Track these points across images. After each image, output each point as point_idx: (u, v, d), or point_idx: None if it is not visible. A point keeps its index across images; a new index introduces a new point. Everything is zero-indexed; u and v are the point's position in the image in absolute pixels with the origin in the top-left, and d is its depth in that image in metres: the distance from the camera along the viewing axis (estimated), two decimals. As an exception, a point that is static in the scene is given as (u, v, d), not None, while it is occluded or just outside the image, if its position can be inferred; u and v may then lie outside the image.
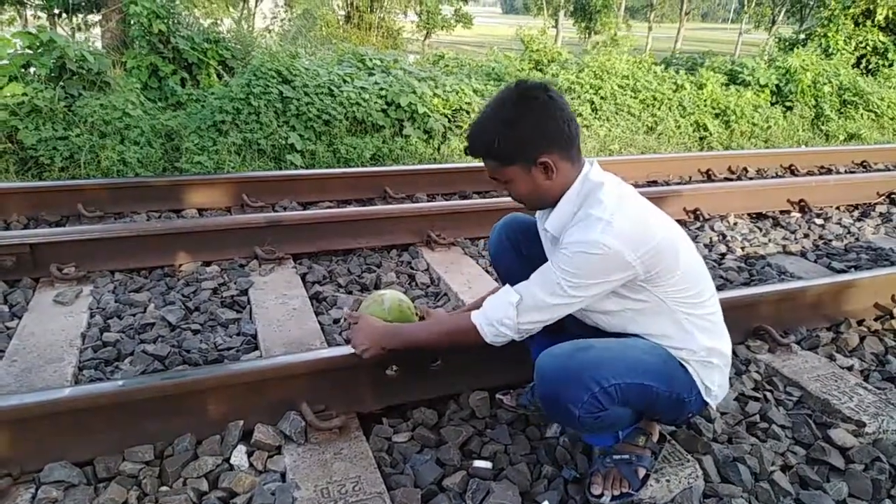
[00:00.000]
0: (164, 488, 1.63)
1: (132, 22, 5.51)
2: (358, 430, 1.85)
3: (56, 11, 9.03)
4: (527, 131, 1.47)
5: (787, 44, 11.72)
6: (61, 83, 4.85)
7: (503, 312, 1.54)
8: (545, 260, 1.76)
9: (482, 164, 1.59)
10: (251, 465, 1.71)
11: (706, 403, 1.62)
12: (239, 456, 1.72)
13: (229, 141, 4.89)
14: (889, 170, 5.97)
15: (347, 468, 1.69)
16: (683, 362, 1.56)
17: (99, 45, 7.14)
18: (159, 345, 2.31)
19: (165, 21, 5.50)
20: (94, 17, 8.59)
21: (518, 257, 1.86)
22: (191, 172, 4.60)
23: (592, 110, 6.76)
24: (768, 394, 2.15)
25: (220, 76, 5.89)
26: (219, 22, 7.61)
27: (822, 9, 11.30)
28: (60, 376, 2.11)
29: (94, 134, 4.65)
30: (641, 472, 1.63)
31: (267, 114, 5.09)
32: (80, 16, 8.83)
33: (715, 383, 1.60)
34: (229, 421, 1.79)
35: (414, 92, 5.78)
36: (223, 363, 2.19)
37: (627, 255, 1.42)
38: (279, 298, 2.72)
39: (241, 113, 5.04)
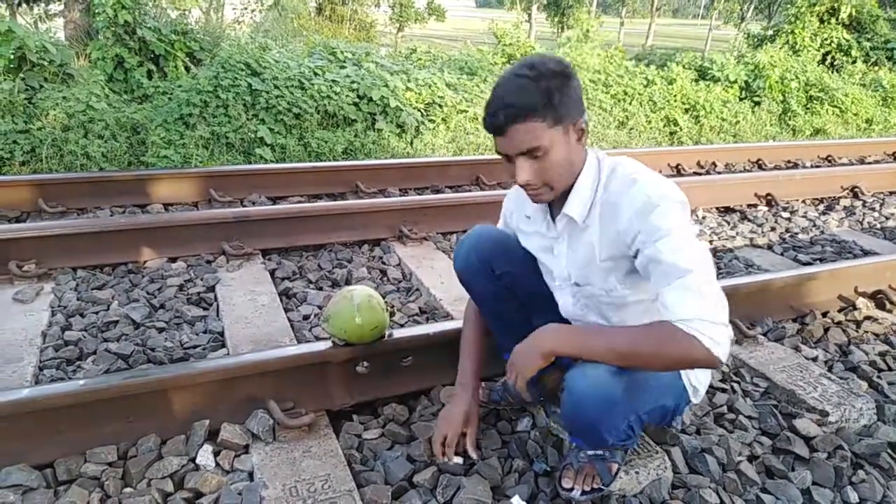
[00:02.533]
0: (127, 490, 1.59)
1: (96, 12, 5.37)
2: (327, 427, 1.83)
3: (16, 1, 8.76)
4: (569, 89, 1.38)
5: (755, 40, 11.94)
6: (21, 75, 4.71)
7: (705, 297, 1.27)
8: (522, 275, 1.72)
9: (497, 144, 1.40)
10: (218, 464, 1.68)
11: (690, 402, 1.63)
12: (205, 456, 1.69)
13: (197, 134, 4.79)
14: (853, 164, 6.11)
15: (316, 466, 1.67)
16: None
17: (62, 35, 6.96)
18: (123, 343, 2.25)
19: (131, 11, 5.36)
20: (57, 7, 8.35)
21: (491, 278, 1.73)
22: (157, 166, 4.51)
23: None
24: (735, 385, 2.18)
25: (187, 68, 5.78)
26: (187, 13, 7.45)
27: (789, 6, 11.51)
28: (20, 377, 2.04)
29: (57, 127, 4.52)
30: (614, 468, 1.63)
31: (235, 107, 5.01)
32: (42, 5, 8.58)
33: (702, 382, 1.62)
34: (195, 420, 1.75)
35: (386, 85, 5.73)
36: (188, 361, 2.14)
37: (684, 199, 1.39)
38: (247, 295, 2.67)
39: (208, 106, 4.95)
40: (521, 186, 1.43)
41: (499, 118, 1.36)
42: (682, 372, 1.55)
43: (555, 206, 1.55)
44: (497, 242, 1.75)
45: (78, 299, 2.60)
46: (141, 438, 1.71)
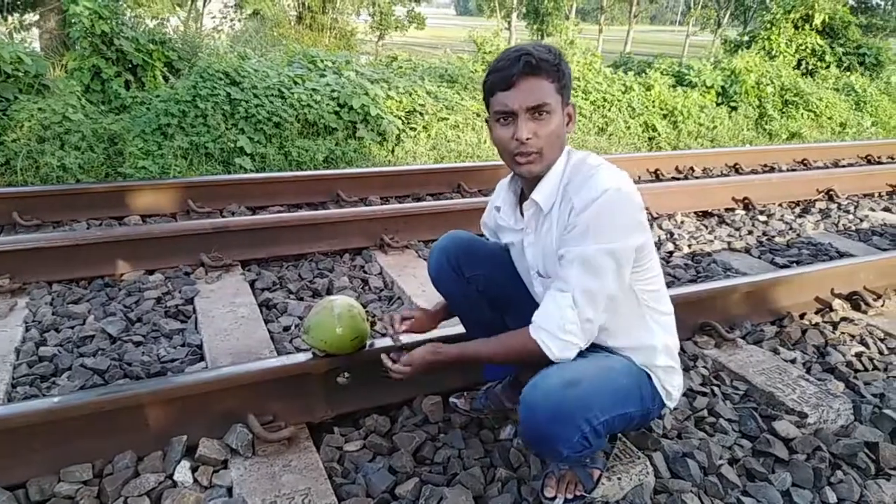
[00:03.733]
0: (103, 509, 1.56)
1: (73, 22, 5.31)
2: (308, 440, 1.81)
3: (-11, 11, 8.63)
4: (570, 72, 1.47)
5: (732, 46, 12.11)
6: (-6, 86, 4.64)
7: (562, 318, 1.40)
8: (493, 276, 1.75)
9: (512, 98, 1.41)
10: (196, 480, 1.65)
11: (665, 405, 1.64)
12: (183, 472, 1.66)
13: (175, 144, 4.75)
14: (827, 167, 6.22)
15: (297, 480, 1.65)
16: (650, 372, 1.56)
17: (37, 46, 6.87)
18: (99, 358, 2.22)
19: (109, 21, 5.31)
20: (32, 18, 8.24)
21: (460, 280, 1.77)
22: (135, 178, 4.46)
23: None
24: (716, 388, 2.19)
25: (166, 78, 5.73)
26: (165, 22, 7.39)
27: (764, 13, 11.71)
28: (-8, 395, 2.00)
29: (32, 139, 4.46)
30: (595, 474, 1.64)
31: (214, 116, 4.97)
32: (17, 16, 8.47)
33: (675, 386, 1.62)
34: (172, 436, 1.73)
35: (367, 94, 5.73)
36: (166, 376, 2.12)
37: (638, 201, 1.42)
38: (226, 307, 2.64)
39: (187, 116, 4.90)
40: (521, 145, 1.43)
41: (516, 67, 1.39)
42: (654, 378, 1.56)
43: (523, 197, 1.59)
44: (466, 245, 1.79)
45: (53, 314, 2.56)
46: (117, 455, 1.68)
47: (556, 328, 1.40)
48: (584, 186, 1.41)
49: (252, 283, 2.92)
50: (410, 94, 6.12)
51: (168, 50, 5.84)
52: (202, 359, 2.27)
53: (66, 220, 3.62)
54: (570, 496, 1.60)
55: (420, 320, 1.87)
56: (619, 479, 1.68)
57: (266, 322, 2.56)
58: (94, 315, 2.56)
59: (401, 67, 7.42)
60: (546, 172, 1.49)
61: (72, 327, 2.47)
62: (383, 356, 1.67)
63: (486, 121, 1.53)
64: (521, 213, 1.61)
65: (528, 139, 1.42)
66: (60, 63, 5.58)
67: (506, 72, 1.40)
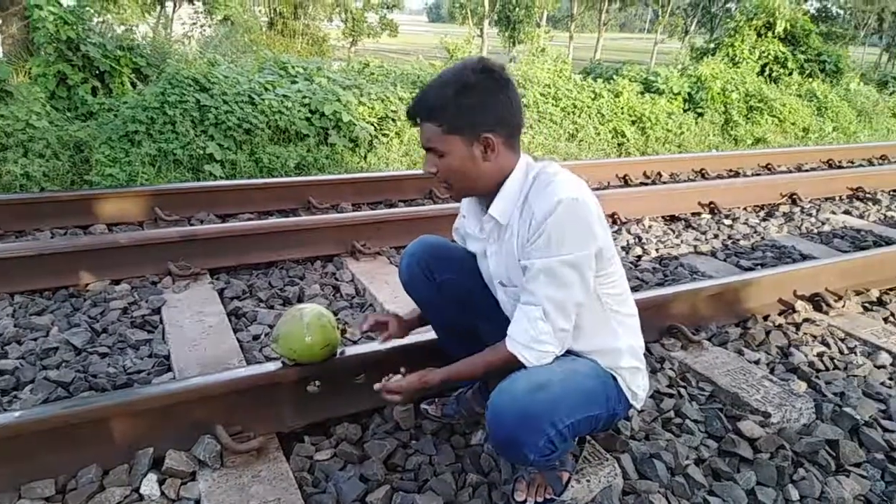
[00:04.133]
0: (66, 524, 1.53)
1: (36, 27, 5.20)
2: (278, 450, 1.80)
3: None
4: (481, 102, 1.44)
5: (698, 53, 12.37)
6: (-47, 92, 4.53)
7: (535, 330, 1.44)
8: (458, 283, 1.76)
9: (420, 134, 1.51)
10: (163, 493, 1.63)
11: (631, 406, 1.66)
12: (149, 485, 1.64)
13: (143, 151, 4.68)
14: (791, 171, 6.37)
15: (266, 491, 1.64)
16: (615, 374, 1.58)
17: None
18: (63, 370, 2.17)
19: (74, 27, 5.22)
20: (-7, 22, 8.05)
21: (430, 284, 1.79)
22: (101, 185, 4.38)
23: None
24: (682, 390, 2.23)
25: (133, 84, 5.65)
26: (133, 28, 7.28)
27: (729, 20, 11.99)
28: (-50, 410, 1.95)
29: (-7, 146, 4.35)
30: (565, 477, 1.66)
31: (183, 123, 4.91)
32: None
33: (640, 387, 1.64)
34: (138, 449, 1.70)
35: (338, 100, 5.72)
36: (132, 388, 2.08)
37: (594, 208, 1.45)
38: (194, 316, 2.61)
39: (155, 122, 4.84)
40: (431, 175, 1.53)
41: (410, 111, 1.51)
42: (620, 379, 1.58)
43: (487, 208, 1.60)
44: (436, 250, 1.81)
45: (15, 326, 2.50)
46: (81, 470, 1.65)
47: (531, 340, 1.45)
48: (540, 196, 1.43)
49: (221, 292, 2.89)
50: (383, 101, 6.12)
51: (136, 56, 5.76)
52: (170, 369, 2.24)
53: (28, 229, 3.54)
54: (540, 499, 1.61)
55: (392, 325, 1.89)
56: (588, 481, 1.70)
57: (235, 331, 2.53)
58: (58, 326, 2.51)
59: (373, 74, 7.43)
60: (497, 186, 1.52)
61: (35, 339, 2.41)
62: (376, 386, 1.69)
63: None
64: (483, 223, 1.62)
65: (431, 172, 1.52)
66: (24, 69, 5.47)
67: (408, 110, 1.52)
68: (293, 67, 6.42)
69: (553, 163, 1.54)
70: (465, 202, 1.72)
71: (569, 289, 1.42)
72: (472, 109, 1.43)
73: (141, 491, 1.62)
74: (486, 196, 1.54)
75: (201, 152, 4.89)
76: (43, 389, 2.05)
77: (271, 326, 2.58)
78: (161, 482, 1.65)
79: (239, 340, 2.45)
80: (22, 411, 1.66)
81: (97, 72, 5.48)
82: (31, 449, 1.61)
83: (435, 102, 1.44)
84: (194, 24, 16.22)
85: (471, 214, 1.69)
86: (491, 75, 1.45)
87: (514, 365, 1.48)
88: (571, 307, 1.44)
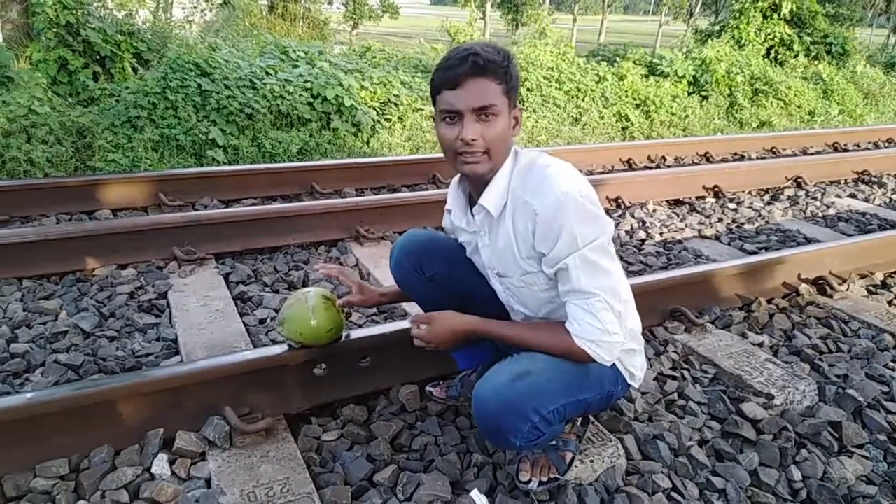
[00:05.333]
0: (81, 502, 1.56)
1: (35, 12, 5.18)
2: (286, 431, 1.82)
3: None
4: (518, 75, 1.45)
5: (703, 35, 12.25)
6: (-44, 79, 4.52)
7: (601, 322, 1.41)
8: (449, 275, 1.76)
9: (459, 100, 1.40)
10: (174, 473, 1.66)
11: (630, 386, 1.67)
12: (160, 465, 1.66)
13: (145, 137, 4.68)
14: (796, 155, 6.35)
15: (275, 470, 1.66)
16: None
17: (-1, 37, 6.69)
18: (72, 354, 2.19)
19: (74, 12, 5.19)
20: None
21: (421, 278, 1.78)
22: (104, 171, 4.38)
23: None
24: (685, 372, 2.25)
25: (135, 70, 5.63)
26: (134, 13, 7.24)
27: (734, 2, 11.86)
28: (-38, 393, 1.97)
29: (-3, 132, 4.35)
30: (568, 457, 1.68)
31: (185, 108, 4.90)
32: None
33: (637, 367, 1.65)
34: (149, 429, 1.72)
35: (340, 84, 5.70)
36: (141, 370, 2.10)
37: (594, 195, 1.45)
38: (201, 300, 2.63)
39: (157, 108, 4.83)
40: (465, 145, 1.42)
41: (463, 66, 1.38)
42: (617, 361, 1.57)
43: (473, 199, 1.59)
44: (426, 243, 1.80)
45: (24, 310, 2.52)
46: (93, 450, 1.67)
47: (601, 334, 1.43)
48: (542, 190, 1.42)
49: (226, 277, 2.90)
50: (385, 85, 6.10)
51: (137, 41, 5.73)
52: (177, 353, 2.26)
53: (34, 214, 3.55)
54: (544, 479, 1.63)
55: (364, 291, 1.89)
56: (591, 461, 1.72)
57: (241, 315, 2.55)
58: (67, 311, 2.53)
59: (375, 58, 7.39)
60: (491, 175, 1.49)
61: (44, 323, 2.43)
62: (411, 322, 1.65)
63: (433, 117, 1.53)
64: (473, 215, 1.61)
65: (473, 140, 1.41)
66: (25, 55, 5.45)
67: (453, 71, 1.40)
68: (294, 52, 6.39)
69: (543, 154, 1.53)
70: (451, 196, 1.70)
71: (610, 273, 1.43)
72: (517, 78, 1.44)
73: (152, 470, 1.65)
74: (482, 181, 1.51)
75: (204, 137, 4.89)
76: (53, 372, 2.07)
77: (276, 310, 2.60)
78: (171, 462, 1.68)
79: (245, 324, 2.47)
80: (34, 393, 1.68)
81: (98, 57, 5.46)
82: (45, 430, 1.63)
83: (499, 60, 1.39)
84: (195, 7, 16.10)
85: (457, 207, 1.67)
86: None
87: (578, 357, 1.46)
88: (619, 288, 1.45)
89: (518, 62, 7.10)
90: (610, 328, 1.43)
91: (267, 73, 5.62)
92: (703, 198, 4.61)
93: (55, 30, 5.18)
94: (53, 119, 4.59)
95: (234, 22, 12.40)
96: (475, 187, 1.56)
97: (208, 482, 1.64)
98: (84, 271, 2.88)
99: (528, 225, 1.45)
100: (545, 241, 1.42)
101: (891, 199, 4.88)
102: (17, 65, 5.28)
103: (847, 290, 2.95)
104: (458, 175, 1.61)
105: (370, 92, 5.94)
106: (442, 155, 1.54)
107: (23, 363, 2.15)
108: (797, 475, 1.79)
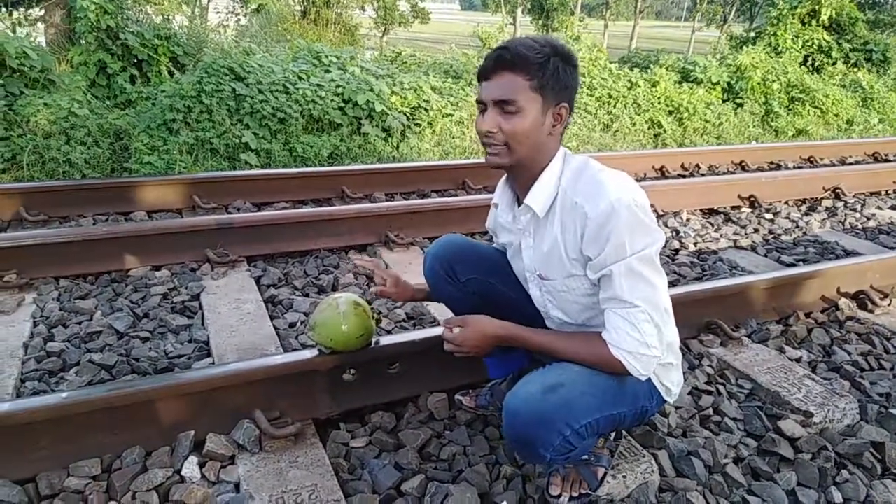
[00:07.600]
0: (112, 503, 1.58)
1: (78, 17, 5.32)
2: (314, 436, 1.82)
3: (-6, 6, 8.64)
4: (572, 73, 1.43)
5: (737, 42, 12.05)
6: (0, 81, 4.65)
7: (641, 334, 1.39)
8: (490, 280, 1.75)
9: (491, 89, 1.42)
10: (203, 476, 1.67)
11: (665, 401, 1.64)
12: (190, 467, 1.67)
13: (181, 140, 4.76)
14: (834, 165, 6.19)
15: (303, 476, 1.66)
16: None
17: (42, 41, 6.87)
18: (106, 354, 2.23)
19: (114, 16, 5.31)
20: (38, 12, 8.24)
21: (455, 285, 1.78)
22: (140, 173, 4.47)
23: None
24: (721, 387, 2.19)
25: (171, 73, 5.74)
26: (171, 18, 7.38)
27: (771, 8, 11.64)
28: (1, 389, 2.01)
29: (38, 134, 4.47)
30: (600, 472, 1.64)
31: (220, 112, 4.98)
32: (21, 10, 8.47)
33: (673, 382, 1.61)
34: (180, 431, 1.74)
35: (371, 90, 5.73)
36: (173, 372, 2.13)
37: (648, 204, 1.42)
38: (232, 303, 2.65)
39: (192, 111, 4.91)
40: (482, 136, 1.45)
41: (490, 60, 1.42)
42: (652, 375, 1.54)
43: (520, 197, 1.57)
44: (460, 249, 1.80)
45: (60, 309, 2.57)
46: (125, 451, 1.69)
47: (639, 345, 1.39)
48: (595, 194, 1.39)
49: (258, 280, 2.93)
50: (415, 90, 6.11)
51: (173, 45, 5.84)
52: (209, 355, 2.28)
53: (72, 215, 3.63)
54: (574, 494, 1.60)
55: (399, 285, 1.89)
56: (624, 477, 1.69)
57: (272, 318, 2.57)
58: (101, 311, 2.57)
59: (405, 63, 7.42)
60: (515, 168, 1.48)
61: (79, 323, 2.48)
62: (444, 324, 1.63)
63: None
64: (516, 216, 1.60)
65: (489, 132, 1.43)
66: (66, 58, 5.59)
67: (484, 63, 1.44)
68: (326, 57, 6.45)
69: (592, 159, 1.51)
70: (499, 191, 1.70)
71: (654, 286, 1.40)
72: (566, 75, 1.42)
73: (182, 473, 1.66)
74: (525, 179, 1.51)
75: (237, 141, 4.95)
76: (87, 372, 2.11)
77: (307, 314, 2.62)
78: (202, 465, 1.69)
79: (275, 327, 2.48)
80: (69, 392, 1.71)
81: (135, 60, 5.58)
82: (78, 429, 1.65)
83: (532, 56, 1.38)
84: (230, 12, 16.37)
85: (504, 203, 1.66)
86: (570, 50, 1.45)
87: (613, 369, 1.43)
88: (661, 301, 1.42)
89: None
90: (649, 341, 1.39)
91: (300, 78, 5.68)
92: (739, 207, 4.52)
93: (95, 34, 5.31)
94: (92, 121, 4.69)
95: (268, 27, 12.56)
96: (521, 187, 1.55)
97: (237, 486, 1.64)
98: (119, 272, 2.93)
99: (577, 227, 1.42)
100: (593, 246, 1.40)
101: (935, 212, 4.72)
102: (59, 68, 5.42)
103: (889, 305, 2.86)
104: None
105: (400, 97, 5.96)
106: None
107: (59, 362, 2.19)
108: (838, 497, 1.73)
